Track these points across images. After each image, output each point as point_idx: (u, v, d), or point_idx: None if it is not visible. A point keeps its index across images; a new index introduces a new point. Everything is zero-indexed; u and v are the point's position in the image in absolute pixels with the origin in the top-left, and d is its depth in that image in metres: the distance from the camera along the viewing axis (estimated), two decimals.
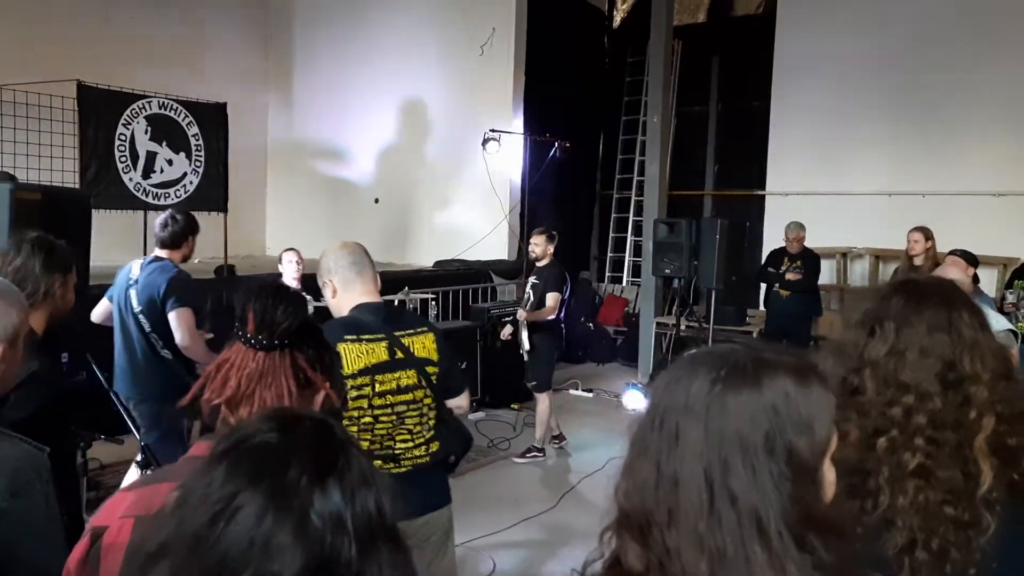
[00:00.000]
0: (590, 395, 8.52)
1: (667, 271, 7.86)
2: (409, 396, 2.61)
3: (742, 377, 0.98)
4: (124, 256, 8.17)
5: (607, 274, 11.55)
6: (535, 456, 6.44)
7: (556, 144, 9.79)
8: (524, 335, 6.46)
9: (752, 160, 10.34)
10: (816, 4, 9.69)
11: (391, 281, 7.16)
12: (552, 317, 6.37)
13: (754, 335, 8.04)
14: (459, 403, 2.86)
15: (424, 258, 10.08)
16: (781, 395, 0.97)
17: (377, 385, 2.55)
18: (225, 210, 8.80)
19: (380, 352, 2.58)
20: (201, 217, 8.71)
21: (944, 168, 8.88)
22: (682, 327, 8.33)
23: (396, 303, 7.08)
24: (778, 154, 10.10)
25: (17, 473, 1.56)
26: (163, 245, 4.37)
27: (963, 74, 8.77)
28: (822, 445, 1.00)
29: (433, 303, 7.67)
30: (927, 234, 6.65)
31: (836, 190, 9.41)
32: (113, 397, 4.05)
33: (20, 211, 3.42)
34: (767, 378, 0.98)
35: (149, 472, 4.33)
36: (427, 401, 2.66)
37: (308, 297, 5.92)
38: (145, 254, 8.07)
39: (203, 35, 10.57)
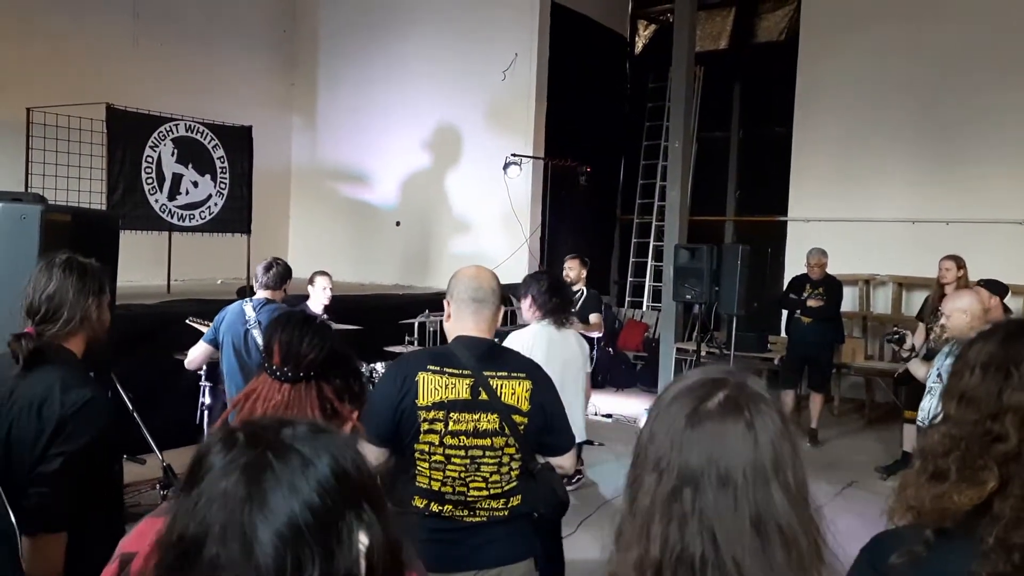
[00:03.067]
0: (609, 420, 8.47)
1: (688, 296, 7.83)
2: (487, 441, 2.45)
3: (741, 411, 1.02)
4: (149, 277, 8.33)
5: (627, 299, 11.52)
6: (578, 479, 6.37)
7: (577, 169, 9.82)
8: None
9: (774, 186, 10.31)
10: (839, 31, 9.69)
11: (411, 304, 7.20)
12: (599, 335, 6.46)
13: (776, 362, 7.98)
14: (560, 463, 2.65)
15: (444, 281, 9.96)
16: (777, 419, 1.03)
17: (451, 423, 2.42)
18: (249, 232, 8.89)
19: (461, 389, 2.44)
20: (224, 239, 8.93)
21: (968, 196, 8.81)
22: (703, 353, 8.28)
23: (416, 325, 7.10)
24: (800, 180, 10.06)
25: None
26: (266, 287, 4.85)
27: (988, 101, 8.72)
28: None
29: None
30: (959, 262, 6.62)
31: (859, 217, 9.36)
32: (136, 417, 4.08)
33: (50, 232, 3.46)
34: (760, 409, 1.03)
35: (170, 493, 4.35)
36: (509, 451, 2.48)
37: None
38: (169, 276, 8.25)
39: (229, 59, 10.73)
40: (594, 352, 6.80)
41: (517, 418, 2.48)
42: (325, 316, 6.03)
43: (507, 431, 2.47)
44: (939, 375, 4.25)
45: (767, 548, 0.96)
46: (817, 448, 7.49)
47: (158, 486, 4.85)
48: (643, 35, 12.22)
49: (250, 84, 11.06)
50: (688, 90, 9.22)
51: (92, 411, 2.08)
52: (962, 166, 8.91)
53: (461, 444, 2.43)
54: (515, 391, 2.49)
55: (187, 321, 5.58)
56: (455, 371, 2.45)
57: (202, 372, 5.43)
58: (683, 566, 0.97)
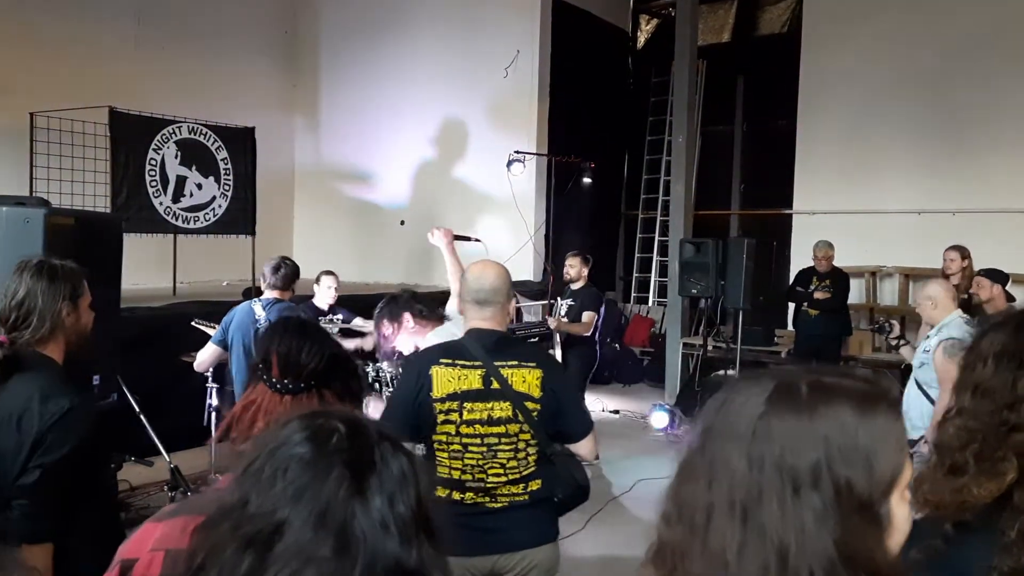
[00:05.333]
0: (616, 416, 8.46)
1: (694, 291, 7.82)
2: (501, 429, 2.56)
3: (794, 402, 0.91)
4: (153, 280, 8.34)
5: (633, 294, 11.50)
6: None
7: (581, 165, 9.80)
8: (557, 352, 6.52)
9: (779, 179, 10.27)
10: (841, 22, 9.65)
11: None
12: (587, 334, 6.42)
13: (782, 355, 7.96)
14: (578, 450, 2.71)
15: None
16: (836, 424, 0.90)
17: (465, 412, 2.53)
18: (253, 233, 8.90)
19: (473, 380, 2.55)
20: (229, 240, 8.95)
21: (975, 186, 8.76)
22: (709, 348, 8.26)
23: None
24: (805, 173, 10.02)
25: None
26: (275, 287, 4.82)
27: (993, 90, 8.67)
28: (885, 480, 0.91)
29: None
30: (964, 253, 6.59)
31: (864, 208, 9.32)
32: (143, 420, 4.08)
33: (54, 236, 3.46)
34: (823, 405, 0.91)
35: (178, 495, 4.36)
36: (524, 437, 2.58)
37: (339, 317, 5.97)
38: (175, 278, 8.26)
39: (231, 61, 10.73)
40: (595, 348, 6.82)
41: (530, 404, 2.58)
42: (334, 315, 6.04)
43: (521, 418, 2.57)
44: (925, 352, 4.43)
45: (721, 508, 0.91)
46: None
47: (166, 488, 4.85)
48: (645, 30, 12.19)
49: (252, 85, 11.06)
50: (691, 84, 9.20)
51: (71, 421, 2.04)
52: (968, 155, 8.86)
53: (476, 432, 2.55)
54: (526, 379, 2.59)
55: (193, 323, 5.58)
56: (467, 363, 2.57)
57: (208, 374, 5.43)
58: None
